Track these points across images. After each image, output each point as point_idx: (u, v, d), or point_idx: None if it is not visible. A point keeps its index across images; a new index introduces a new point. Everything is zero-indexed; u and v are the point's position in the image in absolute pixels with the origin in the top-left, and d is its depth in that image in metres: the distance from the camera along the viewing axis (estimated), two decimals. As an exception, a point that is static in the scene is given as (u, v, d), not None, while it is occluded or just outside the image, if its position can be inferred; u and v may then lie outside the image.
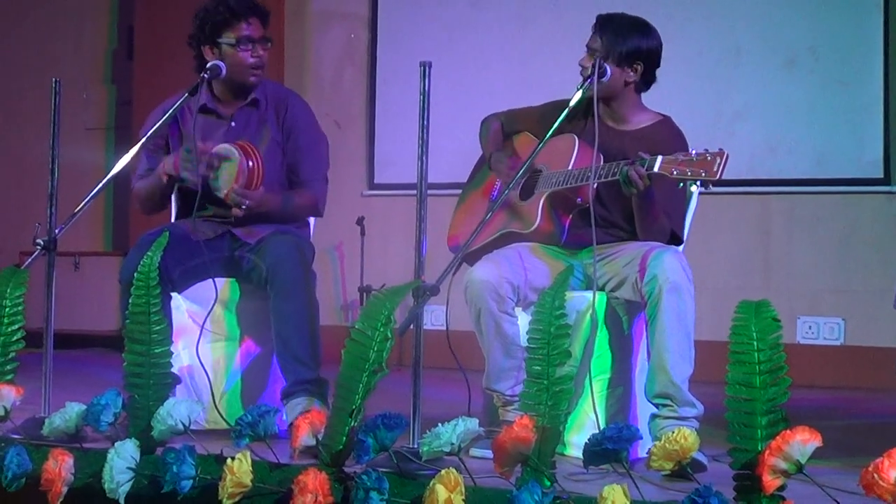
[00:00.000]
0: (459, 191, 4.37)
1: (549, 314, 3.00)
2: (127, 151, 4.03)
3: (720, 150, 3.48)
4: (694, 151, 3.52)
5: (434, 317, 5.71)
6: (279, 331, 3.98)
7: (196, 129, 4.15)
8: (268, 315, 4.02)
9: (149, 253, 3.49)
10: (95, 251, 8.64)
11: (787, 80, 6.82)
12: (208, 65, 4.14)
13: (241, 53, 4.17)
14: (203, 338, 4.02)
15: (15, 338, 3.71)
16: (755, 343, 2.69)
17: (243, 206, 4.03)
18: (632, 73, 3.90)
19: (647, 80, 3.95)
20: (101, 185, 3.93)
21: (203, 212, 4.13)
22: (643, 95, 4.02)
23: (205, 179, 4.07)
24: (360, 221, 7.54)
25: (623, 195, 3.76)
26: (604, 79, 3.82)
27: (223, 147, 4.11)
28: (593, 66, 3.80)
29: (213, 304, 4.02)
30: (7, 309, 3.72)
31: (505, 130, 4.27)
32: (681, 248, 3.93)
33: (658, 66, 3.95)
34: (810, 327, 6.72)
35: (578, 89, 3.82)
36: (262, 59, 4.19)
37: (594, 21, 3.95)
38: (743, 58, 6.93)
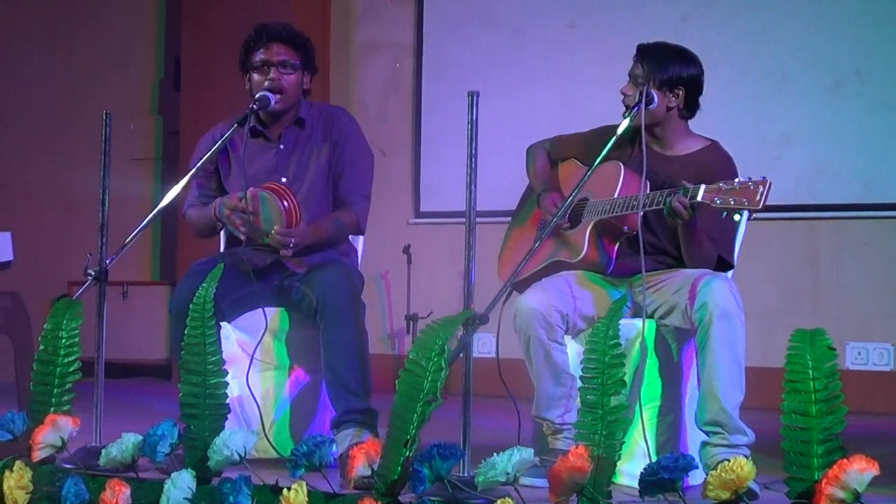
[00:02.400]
0: (506, 219, 4.39)
1: (603, 344, 3.01)
2: (175, 182, 4.07)
3: (763, 178, 3.47)
4: (737, 180, 3.52)
5: (482, 345, 5.72)
6: (329, 361, 3.98)
7: (245, 154, 4.21)
8: (317, 344, 4.02)
9: (203, 284, 3.52)
10: (143, 281, 8.69)
11: (832, 103, 6.79)
12: (257, 95, 4.19)
13: (258, 77, 4.25)
14: (253, 367, 4.04)
15: (71, 369, 3.74)
16: (811, 372, 2.68)
17: (290, 245, 4.06)
18: (673, 99, 3.91)
19: (690, 107, 3.96)
20: (151, 215, 3.97)
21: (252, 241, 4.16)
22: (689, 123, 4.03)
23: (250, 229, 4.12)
24: (406, 250, 7.57)
25: (669, 221, 3.77)
26: (651, 106, 3.83)
27: (254, 194, 4.12)
28: (641, 94, 3.82)
29: (263, 334, 4.05)
30: (63, 340, 3.75)
31: (551, 158, 4.29)
32: (730, 273, 3.93)
33: (700, 92, 3.96)
34: (860, 353, 6.67)
35: (626, 116, 3.84)
36: (276, 81, 4.21)
37: (636, 49, 3.97)
38: (788, 82, 6.91)
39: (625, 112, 3.88)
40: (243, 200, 4.07)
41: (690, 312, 3.62)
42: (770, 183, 3.45)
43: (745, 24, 7.03)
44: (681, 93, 3.90)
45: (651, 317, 3.78)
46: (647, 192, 3.75)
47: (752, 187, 3.45)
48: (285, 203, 4.06)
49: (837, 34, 6.81)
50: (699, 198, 3.55)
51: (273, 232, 4.04)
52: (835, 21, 6.83)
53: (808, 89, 6.86)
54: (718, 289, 3.59)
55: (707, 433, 3.59)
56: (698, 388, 3.64)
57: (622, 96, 3.93)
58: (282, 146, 4.31)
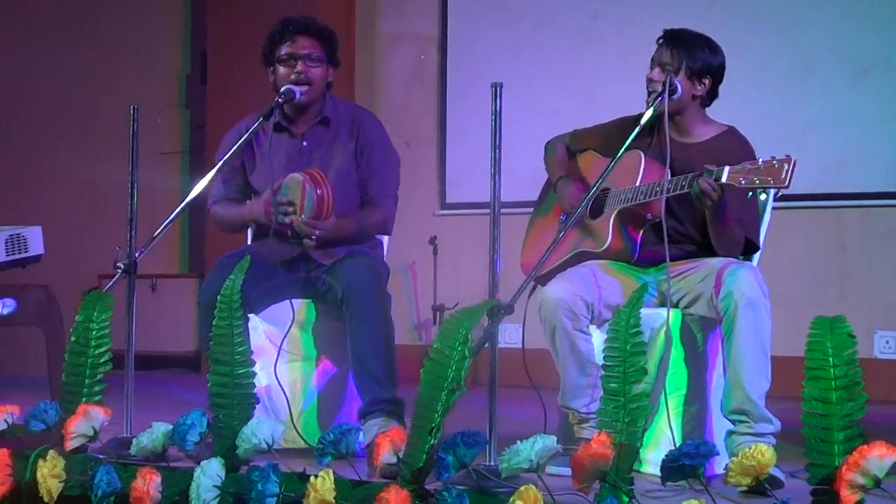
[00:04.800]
0: (530, 210, 4.40)
1: (624, 332, 3.02)
2: (202, 175, 4.10)
3: (787, 156, 3.47)
4: (761, 159, 3.53)
5: (508, 335, 5.74)
6: (355, 351, 4.01)
7: (270, 148, 4.24)
8: (344, 335, 4.05)
9: (231, 276, 3.55)
10: (172, 273, 8.75)
11: (858, 91, 6.79)
12: (282, 89, 4.21)
13: (283, 70, 4.27)
14: (280, 358, 4.07)
15: (102, 360, 3.77)
16: (831, 359, 2.69)
17: (313, 238, 4.09)
18: (699, 88, 3.92)
19: (711, 95, 3.97)
20: (178, 208, 3.99)
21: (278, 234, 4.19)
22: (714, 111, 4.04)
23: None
24: (432, 241, 7.60)
25: (694, 207, 3.78)
26: (675, 96, 3.84)
27: (291, 177, 4.16)
28: (664, 83, 3.83)
29: (291, 325, 4.08)
30: (94, 332, 3.78)
31: (570, 150, 4.30)
32: (757, 256, 3.94)
33: (721, 81, 3.98)
34: (887, 342, 6.65)
35: (650, 106, 3.85)
36: (302, 74, 4.23)
37: (660, 35, 3.97)
38: (813, 70, 6.90)
39: (648, 100, 3.89)
40: (274, 186, 4.11)
41: (716, 301, 3.63)
42: (794, 161, 3.45)
43: (769, 12, 7.03)
44: (707, 81, 3.91)
45: (676, 306, 3.79)
46: (670, 178, 3.76)
47: (776, 166, 3.46)
48: (318, 191, 4.08)
49: (863, 21, 6.80)
50: (724, 179, 3.56)
51: (302, 219, 4.07)
52: (860, 8, 6.82)
53: (834, 77, 6.86)
54: (744, 278, 3.60)
55: (733, 422, 3.60)
56: (724, 377, 3.65)
57: (648, 82, 3.93)
58: (305, 143, 4.33)
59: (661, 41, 3.95)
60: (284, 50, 4.27)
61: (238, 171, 4.41)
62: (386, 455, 3.20)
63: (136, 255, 3.91)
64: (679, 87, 3.85)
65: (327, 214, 4.10)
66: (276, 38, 4.30)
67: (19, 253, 4.89)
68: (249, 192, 4.40)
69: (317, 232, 4.07)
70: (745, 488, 2.99)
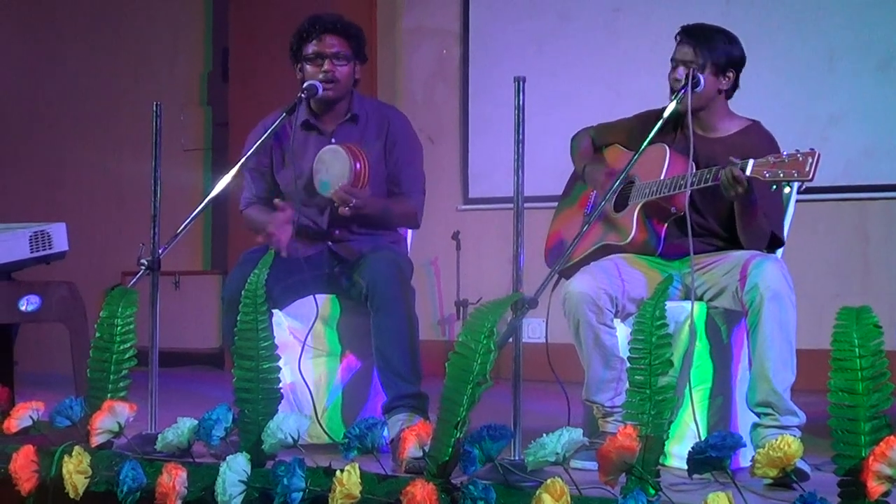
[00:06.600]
0: (553, 204, 4.41)
1: (650, 324, 3.02)
2: (224, 172, 4.10)
3: (811, 149, 3.47)
4: (785, 153, 3.53)
5: (532, 330, 5.74)
6: (379, 346, 4.02)
7: (297, 146, 4.27)
8: (368, 330, 4.06)
9: (255, 271, 3.55)
10: (195, 270, 8.77)
11: (882, 82, 6.75)
12: (305, 84, 4.22)
13: (311, 69, 4.27)
14: (305, 354, 4.08)
15: (127, 356, 3.78)
16: (857, 350, 2.68)
17: (350, 205, 4.10)
18: (724, 81, 3.91)
19: (734, 86, 3.97)
20: (202, 205, 4.01)
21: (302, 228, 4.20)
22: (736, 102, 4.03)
23: (311, 180, 4.21)
24: (455, 236, 7.60)
25: (718, 201, 3.77)
26: (697, 89, 3.84)
27: (331, 148, 4.19)
28: (687, 77, 3.82)
29: (314, 321, 4.09)
30: (119, 328, 3.79)
31: (595, 144, 4.30)
32: (781, 250, 3.92)
33: (741, 71, 3.97)
34: (911, 334, 6.63)
35: (672, 100, 3.84)
36: (329, 73, 4.24)
37: (679, 33, 3.96)
38: (836, 61, 6.87)
39: (672, 95, 3.89)
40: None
41: (741, 294, 3.62)
42: (819, 154, 3.45)
43: (791, 2, 6.99)
44: (731, 74, 3.91)
45: (700, 299, 3.79)
46: (694, 171, 3.76)
47: (800, 159, 3.47)
48: (357, 164, 4.12)
49: (886, 12, 6.77)
50: (748, 172, 3.56)
51: (340, 186, 4.09)
52: (884, -2, 6.79)
53: (857, 68, 6.82)
54: (770, 270, 3.59)
55: (758, 414, 3.60)
56: (749, 370, 3.65)
57: (673, 82, 3.91)
58: (333, 140, 4.33)
59: (679, 39, 3.94)
60: (311, 48, 4.27)
61: (267, 170, 4.43)
62: (412, 449, 3.20)
63: (160, 252, 3.92)
64: (702, 80, 3.84)
65: (363, 186, 4.14)
66: (303, 36, 4.30)
67: (43, 249, 4.91)
68: (278, 190, 4.41)
69: (353, 200, 4.08)
70: (770, 481, 2.98)
